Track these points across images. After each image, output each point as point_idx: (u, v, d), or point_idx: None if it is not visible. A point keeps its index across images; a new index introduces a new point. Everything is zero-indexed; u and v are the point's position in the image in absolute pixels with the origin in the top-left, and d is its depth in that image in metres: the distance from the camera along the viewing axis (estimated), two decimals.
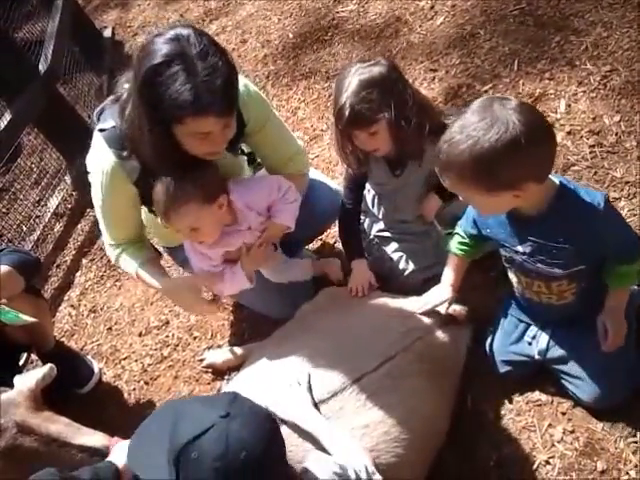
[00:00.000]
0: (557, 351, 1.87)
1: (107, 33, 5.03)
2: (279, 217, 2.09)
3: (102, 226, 2.13)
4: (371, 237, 2.45)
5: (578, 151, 2.44)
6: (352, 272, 2.29)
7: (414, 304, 2.08)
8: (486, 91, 2.87)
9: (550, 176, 1.57)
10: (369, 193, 2.40)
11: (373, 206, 2.41)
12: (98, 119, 1.95)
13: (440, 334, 1.98)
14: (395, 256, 2.33)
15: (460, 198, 1.61)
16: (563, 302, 1.78)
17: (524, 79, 2.82)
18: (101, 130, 1.90)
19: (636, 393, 1.82)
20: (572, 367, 1.83)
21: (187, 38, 1.62)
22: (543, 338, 1.90)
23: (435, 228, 2.31)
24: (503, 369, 1.99)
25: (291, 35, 3.92)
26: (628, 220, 2.16)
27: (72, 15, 4.33)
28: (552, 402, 1.93)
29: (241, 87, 1.88)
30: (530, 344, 1.93)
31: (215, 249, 2.05)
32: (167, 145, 1.74)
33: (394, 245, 2.36)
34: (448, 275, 2.04)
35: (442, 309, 2.03)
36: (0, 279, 2.24)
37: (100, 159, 1.92)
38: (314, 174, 2.38)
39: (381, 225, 2.42)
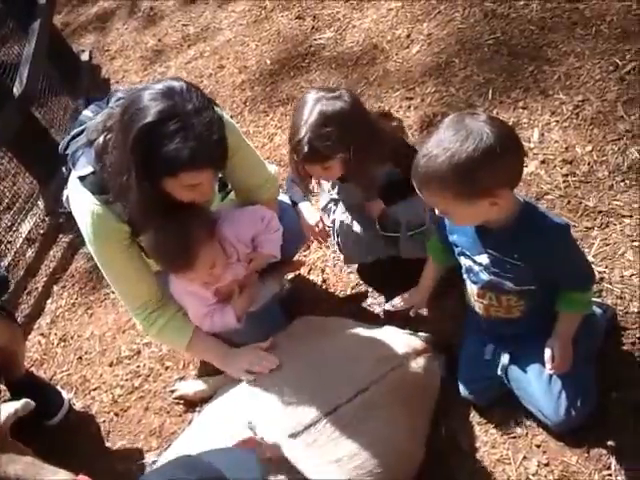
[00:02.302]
0: (516, 371, 1.88)
1: (84, 57, 5.01)
2: (265, 247, 2.09)
3: (122, 295, 2.06)
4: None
5: (551, 180, 2.45)
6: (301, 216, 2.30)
7: (388, 331, 2.07)
8: None
9: (516, 195, 1.65)
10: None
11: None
12: (73, 164, 1.89)
13: (414, 364, 1.95)
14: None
15: (437, 212, 1.64)
16: (510, 316, 1.81)
17: (498, 108, 2.84)
18: (81, 178, 1.85)
19: (606, 425, 1.82)
20: (530, 387, 1.84)
21: (180, 93, 1.61)
22: (504, 355, 1.91)
23: None
24: (469, 390, 1.99)
25: (269, 61, 3.93)
26: (600, 250, 2.17)
27: (49, 38, 4.29)
28: (527, 434, 1.92)
29: None
30: (491, 361, 1.94)
31: (207, 287, 2.03)
32: (155, 197, 1.72)
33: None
34: (423, 279, 2.08)
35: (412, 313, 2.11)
36: None
37: (87, 208, 1.86)
38: (284, 197, 2.38)
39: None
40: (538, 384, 1.80)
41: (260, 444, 1.71)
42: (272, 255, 2.12)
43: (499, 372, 1.90)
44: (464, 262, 1.83)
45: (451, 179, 1.48)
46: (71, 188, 1.90)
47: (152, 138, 1.59)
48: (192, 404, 2.42)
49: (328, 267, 2.64)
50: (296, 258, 2.56)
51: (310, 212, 2.29)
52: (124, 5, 5.54)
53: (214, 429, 1.92)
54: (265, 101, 3.66)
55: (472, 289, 1.85)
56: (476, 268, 1.77)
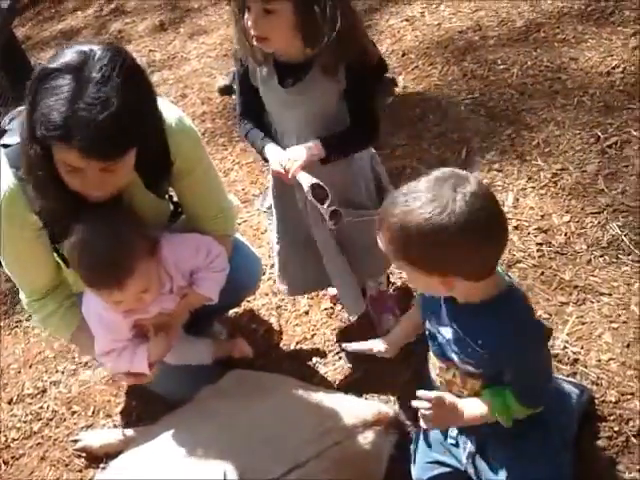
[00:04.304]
0: (484, 459, 1.59)
1: None
2: (202, 286, 1.80)
3: (13, 276, 1.80)
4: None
5: (525, 248, 2.26)
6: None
7: (335, 399, 1.80)
8: None
9: (502, 273, 1.43)
10: None
11: None
12: (3, 132, 1.69)
13: (360, 439, 1.67)
14: None
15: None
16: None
17: (471, 167, 2.68)
18: (5, 145, 1.63)
19: None
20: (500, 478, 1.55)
21: (95, 57, 1.39)
22: (471, 439, 1.62)
23: None
24: (425, 478, 1.69)
25: (234, 96, 3.73)
26: (576, 328, 1.97)
27: (4, 45, 4.06)
28: None
29: (173, 119, 1.68)
30: (455, 446, 1.66)
31: (126, 317, 1.72)
32: (44, 168, 1.47)
33: None
34: (399, 328, 1.77)
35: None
36: None
37: (2, 183, 1.61)
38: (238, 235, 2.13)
39: None
40: (510, 474, 1.54)
41: None
42: (208, 298, 1.84)
43: (464, 459, 1.62)
44: (428, 327, 1.58)
45: (397, 235, 1.29)
46: None
47: (42, 86, 1.38)
48: (96, 459, 2.09)
49: (273, 316, 2.38)
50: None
51: (274, 153, 1.79)
52: (92, 25, 5.37)
53: None
54: (225, 135, 3.45)
55: (435, 361, 1.59)
56: (440, 338, 1.52)
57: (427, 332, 1.60)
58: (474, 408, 1.48)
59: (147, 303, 1.67)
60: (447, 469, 1.66)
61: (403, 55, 3.52)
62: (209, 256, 1.80)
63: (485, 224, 1.27)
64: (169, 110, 1.70)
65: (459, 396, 1.55)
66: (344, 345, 1.79)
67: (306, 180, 1.69)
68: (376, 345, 1.72)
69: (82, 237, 1.53)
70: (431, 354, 1.61)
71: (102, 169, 1.44)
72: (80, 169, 1.43)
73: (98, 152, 1.39)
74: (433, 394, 1.45)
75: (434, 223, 1.22)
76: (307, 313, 2.35)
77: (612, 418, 1.74)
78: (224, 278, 1.84)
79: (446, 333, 1.49)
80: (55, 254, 1.76)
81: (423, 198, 1.26)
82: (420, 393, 1.45)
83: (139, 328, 1.77)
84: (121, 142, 1.42)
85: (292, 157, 1.71)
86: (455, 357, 1.48)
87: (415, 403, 1.46)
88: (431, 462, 1.67)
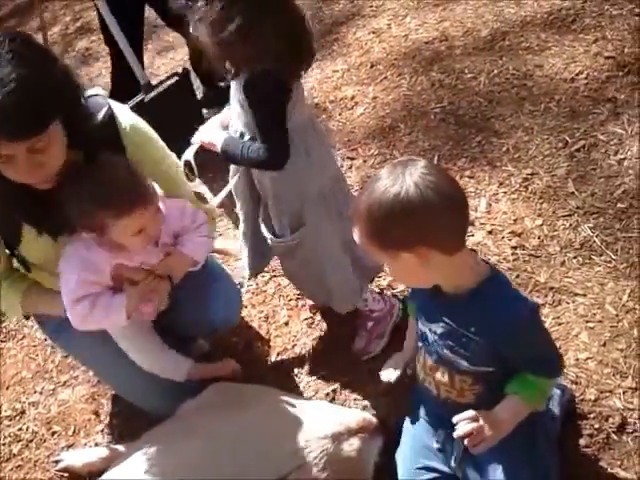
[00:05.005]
0: (473, 462, 1.59)
1: None
2: (188, 247, 1.80)
3: None
4: None
5: (499, 252, 2.31)
6: None
7: (317, 406, 1.80)
8: None
9: (487, 263, 1.50)
10: None
11: None
12: None
13: (346, 447, 1.68)
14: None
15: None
16: (461, 400, 1.58)
17: None
18: None
19: None
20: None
21: None
22: (459, 443, 1.59)
23: None
24: None
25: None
26: (553, 329, 2.01)
27: None
28: None
29: (128, 123, 1.71)
30: (441, 450, 1.67)
31: (112, 257, 1.69)
32: None
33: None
34: (407, 340, 1.82)
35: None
36: None
37: None
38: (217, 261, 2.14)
39: None
40: (499, 477, 1.55)
41: None
42: (193, 260, 1.82)
43: (453, 463, 1.62)
44: (420, 327, 1.62)
45: (364, 221, 1.39)
46: None
47: None
48: (79, 478, 2.06)
49: (253, 327, 2.38)
50: None
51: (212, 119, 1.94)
52: (58, 44, 5.32)
53: None
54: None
55: (425, 360, 1.62)
56: (431, 337, 1.56)
57: (419, 333, 1.63)
58: (507, 408, 1.48)
59: (150, 237, 1.68)
60: (436, 474, 1.66)
61: (371, 67, 3.56)
62: (195, 222, 1.82)
63: (440, 189, 1.34)
64: (124, 115, 1.73)
65: (448, 397, 1.59)
66: (381, 374, 1.82)
67: (185, 154, 1.85)
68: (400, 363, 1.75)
69: (93, 178, 1.56)
70: (422, 355, 1.64)
71: (29, 150, 1.44)
72: (9, 156, 1.44)
73: (8, 132, 1.40)
74: (467, 413, 1.46)
75: (390, 194, 1.33)
76: (287, 324, 2.36)
77: (592, 416, 1.78)
78: (209, 245, 1.87)
79: (437, 329, 1.53)
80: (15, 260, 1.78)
81: (381, 178, 1.37)
82: (455, 419, 1.46)
83: (116, 279, 1.73)
84: (31, 117, 1.41)
85: (202, 129, 1.89)
86: (447, 352, 1.51)
87: (457, 432, 1.45)
88: (419, 468, 1.68)
